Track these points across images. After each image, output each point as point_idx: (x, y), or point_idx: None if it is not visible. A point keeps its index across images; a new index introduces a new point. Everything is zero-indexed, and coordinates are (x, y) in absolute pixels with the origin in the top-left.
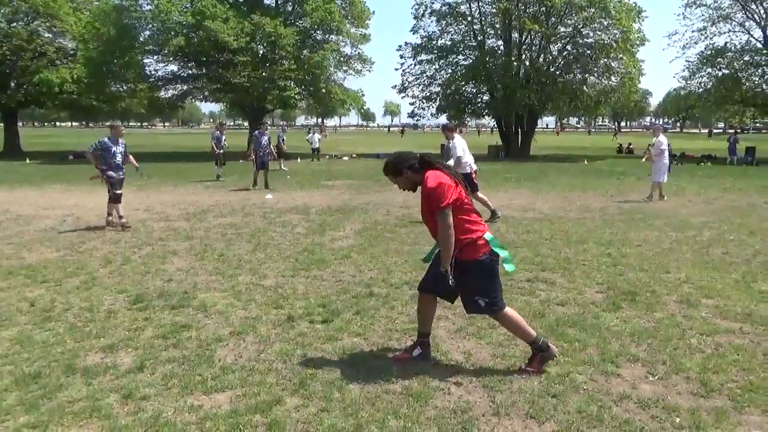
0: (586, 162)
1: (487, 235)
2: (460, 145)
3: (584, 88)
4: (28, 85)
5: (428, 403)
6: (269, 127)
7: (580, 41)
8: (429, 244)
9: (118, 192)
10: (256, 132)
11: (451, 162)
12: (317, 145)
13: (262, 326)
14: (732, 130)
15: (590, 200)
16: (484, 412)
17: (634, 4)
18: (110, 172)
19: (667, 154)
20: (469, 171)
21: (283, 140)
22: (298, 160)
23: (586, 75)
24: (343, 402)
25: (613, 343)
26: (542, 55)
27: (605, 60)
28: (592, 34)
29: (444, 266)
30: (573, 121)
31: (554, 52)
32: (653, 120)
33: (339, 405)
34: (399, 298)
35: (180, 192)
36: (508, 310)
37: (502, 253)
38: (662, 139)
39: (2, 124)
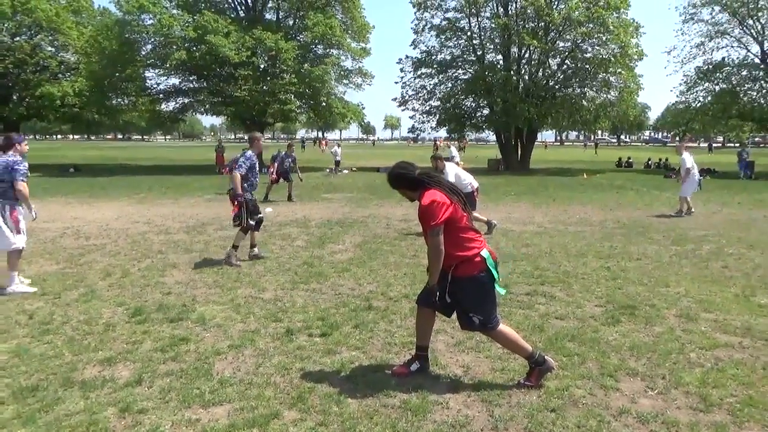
0: (585, 176)
1: (484, 253)
2: (452, 172)
3: (583, 102)
4: (30, 99)
5: (426, 417)
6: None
7: (579, 56)
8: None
9: (261, 215)
10: (284, 153)
11: None
12: (339, 158)
13: (260, 339)
14: (741, 147)
15: (589, 213)
16: (482, 427)
17: (632, 20)
18: (248, 195)
19: (695, 170)
20: (470, 190)
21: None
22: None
23: (585, 89)
24: (341, 416)
25: (612, 357)
26: (541, 70)
27: (604, 75)
28: (590, 49)
29: (431, 282)
30: (573, 135)
31: (553, 67)
32: (652, 133)
33: (337, 419)
34: (398, 311)
35: (180, 204)
36: (503, 328)
37: (495, 275)
38: (685, 156)
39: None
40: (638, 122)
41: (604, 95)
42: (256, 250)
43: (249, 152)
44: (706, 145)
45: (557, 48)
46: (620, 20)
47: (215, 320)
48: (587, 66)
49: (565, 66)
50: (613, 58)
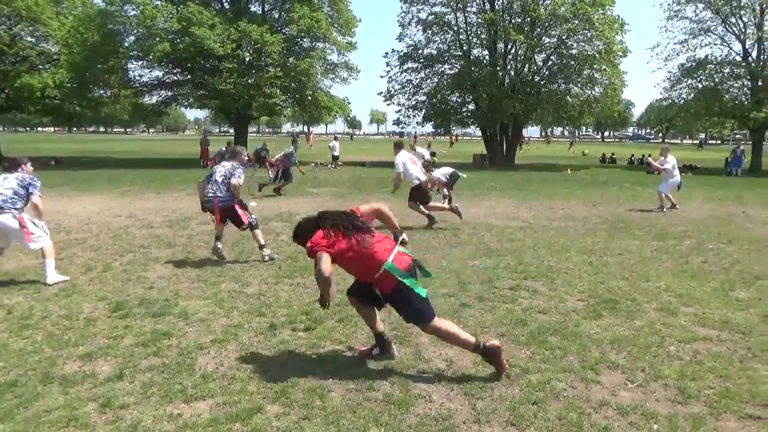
0: (569, 171)
1: (387, 265)
2: (400, 160)
3: (568, 98)
4: (9, 90)
5: (409, 410)
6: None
7: (565, 52)
8: (413, 251)
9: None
10: (292, 149)
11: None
12: (338, 153)
13: (244, 334)
14: (735, 143)
15: (573, 209)
16: (465, 420)
17: (617, 17)
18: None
19: (676, 171)
20: (417, 183)
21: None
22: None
23: (570, 85)
24: (324, 410)
25: (593, 350)
26: (527, 65)
27: (589, 71)
28: (576, 46)
29: (321, 305)
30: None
31: (539, 63)
32: (636, 130)
33: (320, 413)
34: None
35: (163, 198)
36: (439, 323)
37: (407, 281)
38: (670, 159)
39: None
40: (622, 119)
41: (589, 91)
42: (219, 244)
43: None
44: (689, 141)
45: (543, 44)
46: (605, 17)
47: (198, 315)
48: (572, 62)
49: (550, 62)
50: (597, 55)
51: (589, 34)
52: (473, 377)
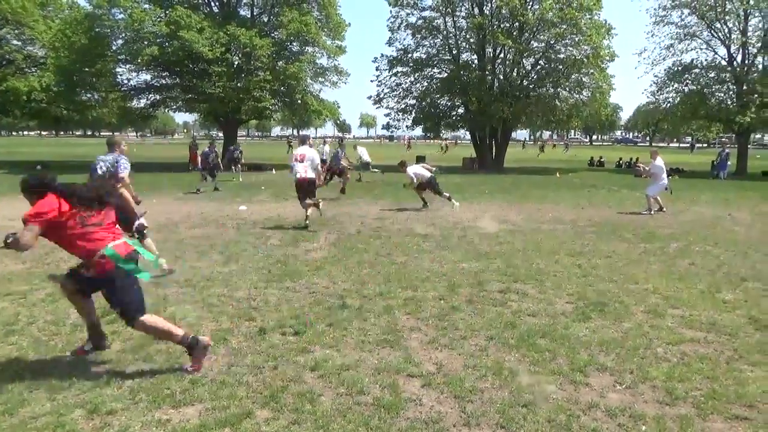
0: (558, 175)
1: (108, 251)
2: (292, 158)
3: (556, 101)
4: None
5: (399, 414)
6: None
7: (553, 56)
8: (404, 255)
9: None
10: (338, 149)
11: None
12: (368, 158)
13: (233, 338)
14: (721, 146)
15: (562, 212)
16: (455, 423)
17: (603, 22)
18: None
19: (664, 174)
20: (297, 178)
21: (240, 152)
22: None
23: (558, 89)
24: (314, 414)
25: (582, 353)
26: (515, 70)
27: (576, 75)
28: (563, 50)
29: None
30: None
31: (527, 67)
32: (623, 133)
33: (310, 417)
34: (372, 309)
35: (152, 203)
36: (147, 318)
37: (127, 266)
38: (658, 162)
39: None
40: (610, 122)
41: (577, 95)
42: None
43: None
44: (676, 144)
45: (531, 48)
46: (592, 21)
47: (187, 319)
48: (560, 66)
49: (539, 66)
50: (585, 59)
51: (576, 39)
52: (463, 380)
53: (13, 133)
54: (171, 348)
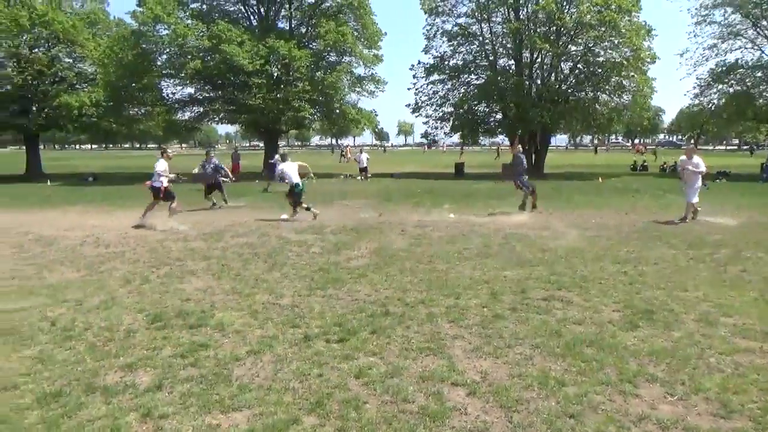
0: (600, 180)
1: None
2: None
3: (596, 106)
4: (49, 109)
5: (445, 423)
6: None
7: (591, 60)
8: (445, 263)
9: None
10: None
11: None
12: (365, 165)
13: (278, 345)
14: None
15: (606, 218)
16: None
17: (643, 23)
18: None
19: (700, 170)
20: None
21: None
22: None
23: (598, 93)
24: (359, 422)
25: (630, 362)
26: (554, 74)
27: (616, 78)
28: (602, 53)
29: None
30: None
31: (566, 71)
32: (666, 137)
33: (356, 425)
34: (414, 317)
35: (195, 213)
36: None
37: None
38: (696, 160)
39: (24, 148)
40: (652, 126)
41: (618, 99)
42: None
43: None
44: (725, 148)
45: (569, 52)
46: (632, 23)
47: (234, 326)
48: (600, 70)
49: (577, 70)
50: (625, 62)
51: (615, 41)
52: (509, 389)
53: (65, 147)
54: (219, 354)
